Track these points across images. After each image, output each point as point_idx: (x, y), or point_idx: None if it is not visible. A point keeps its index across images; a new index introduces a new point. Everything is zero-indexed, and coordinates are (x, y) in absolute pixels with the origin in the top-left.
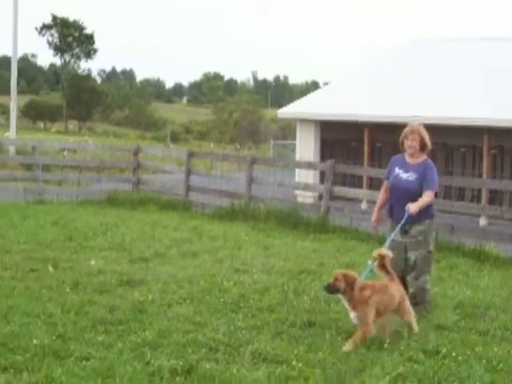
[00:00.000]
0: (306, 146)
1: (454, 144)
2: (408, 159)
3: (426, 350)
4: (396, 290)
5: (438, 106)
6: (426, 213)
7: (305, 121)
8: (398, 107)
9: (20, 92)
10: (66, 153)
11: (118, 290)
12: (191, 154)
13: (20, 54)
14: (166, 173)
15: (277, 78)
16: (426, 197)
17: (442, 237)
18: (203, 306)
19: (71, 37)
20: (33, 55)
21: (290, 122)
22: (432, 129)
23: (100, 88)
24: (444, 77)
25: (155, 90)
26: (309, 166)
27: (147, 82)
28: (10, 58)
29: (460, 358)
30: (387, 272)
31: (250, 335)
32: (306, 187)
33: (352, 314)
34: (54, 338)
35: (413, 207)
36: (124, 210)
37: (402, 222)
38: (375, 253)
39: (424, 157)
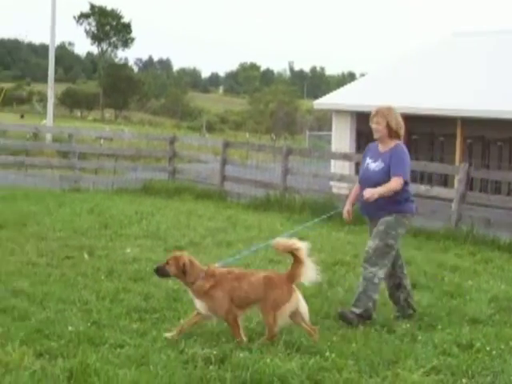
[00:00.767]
0: (342, 137)
1: (491, 137)
2: (379, 147)
3: (459, 344)
4: (262, 280)
5: (475, 99)
6: (395, 206)
7: (341, 112)
8: (435, 99)
9: (57, 80)
10: (102, 141)
11: (153, 278)
12: (227, 144)
13: (58, 42)
14: (201, 162)
15: (313, 69)
16: (391, 182)
17: (478, 230)
18: None
19: (108, 25)
20: (70, 43)
21: (325, 113)
22: (469, 122)
23: (136, 77)
24: (483, 69)
25: (191, 79)
26: (344, 157)
27: (184, 72)
28: (48, 46)
29: (494, 352)
30: (296, 262)
31: (284, 325)
32: (341, 178)
33: (196, 302)
34: (88, 324)
35: (369, 192)
36: (159, 198)
37: (347, 204)
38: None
39: (394, 142)
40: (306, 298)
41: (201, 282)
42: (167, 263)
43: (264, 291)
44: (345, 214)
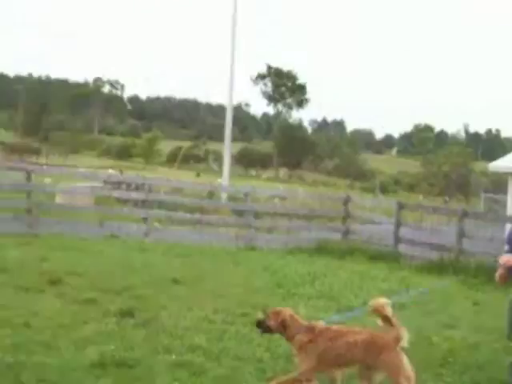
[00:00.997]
0: None
1: None
2: None
3: None
4: (362, 339)
5: None
6: None
7: None
8: None
9: (233, 140)
10: (276, 200)
11: None
12: (401, 206)
13: (234, 102)
14: (374, 223)
15: (488, 131)
16: None
17: None
18: (410, 359)
19: (284, 86)
20: (246, 104)
21: (501, 176)
22: None
23: (311, 138)
24: None
25: (365, 140)
26: None
27: (358, 133)
28: (225, 106)
29: None
30: (389, 324)
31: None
32: None
33: (297, 357)
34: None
35: (505, 258)
36: (332, 258)
37: (501, 267)
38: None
39: None
40: (482, 365)
41: (300, 337)
42: (267, 317)
43: (375, 356)
44: (497, 278)
